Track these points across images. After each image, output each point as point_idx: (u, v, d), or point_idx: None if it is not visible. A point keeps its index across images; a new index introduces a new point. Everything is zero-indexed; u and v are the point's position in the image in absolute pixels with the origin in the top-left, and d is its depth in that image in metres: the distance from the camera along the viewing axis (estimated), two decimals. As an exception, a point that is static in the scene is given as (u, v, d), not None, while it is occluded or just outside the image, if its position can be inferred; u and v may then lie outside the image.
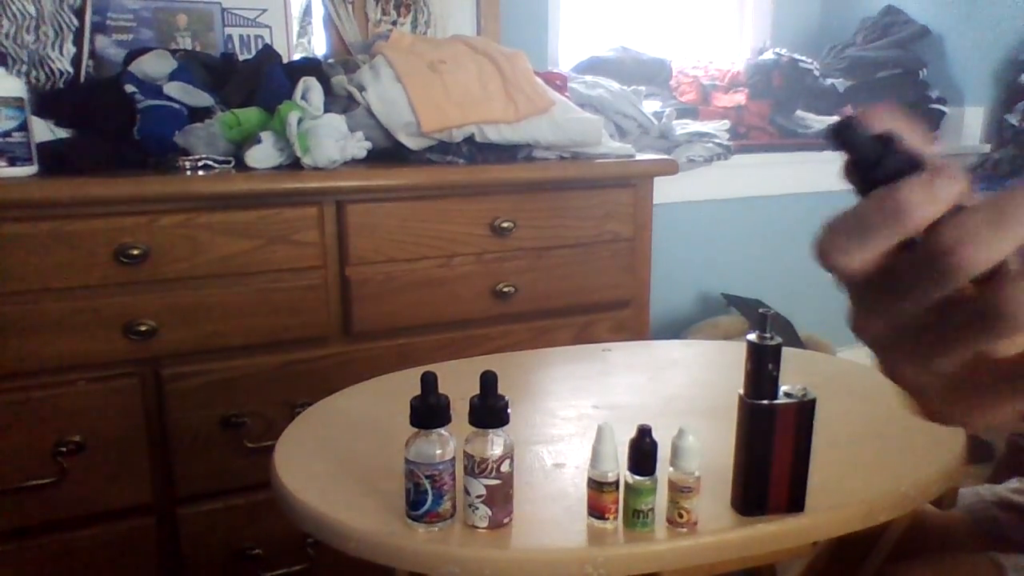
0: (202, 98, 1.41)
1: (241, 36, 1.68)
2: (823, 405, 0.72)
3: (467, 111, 1.43)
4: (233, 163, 1.32)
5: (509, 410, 0.71)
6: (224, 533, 1.34)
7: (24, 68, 1.42)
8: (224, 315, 1.28)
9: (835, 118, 2.18)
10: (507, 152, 1.50)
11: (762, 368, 0.70)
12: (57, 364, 1.19)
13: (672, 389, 1.08)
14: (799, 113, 2.45)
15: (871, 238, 0.29)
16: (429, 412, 0.70)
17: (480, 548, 0.70)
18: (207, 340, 1.28)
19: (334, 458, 0.86)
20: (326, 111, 1.37)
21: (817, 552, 0.88)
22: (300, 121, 1.32)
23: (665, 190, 1.91)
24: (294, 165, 1.35)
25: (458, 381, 0.77)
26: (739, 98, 2.35)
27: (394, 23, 1.83)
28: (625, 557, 0.70)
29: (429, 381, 0.70)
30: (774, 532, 0.73)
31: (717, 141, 2.09)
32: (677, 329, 2.29)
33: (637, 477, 0.70)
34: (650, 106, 2.07)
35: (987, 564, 0.80)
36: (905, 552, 0.87)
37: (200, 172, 1.28)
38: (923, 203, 0.28)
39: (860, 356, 2.49)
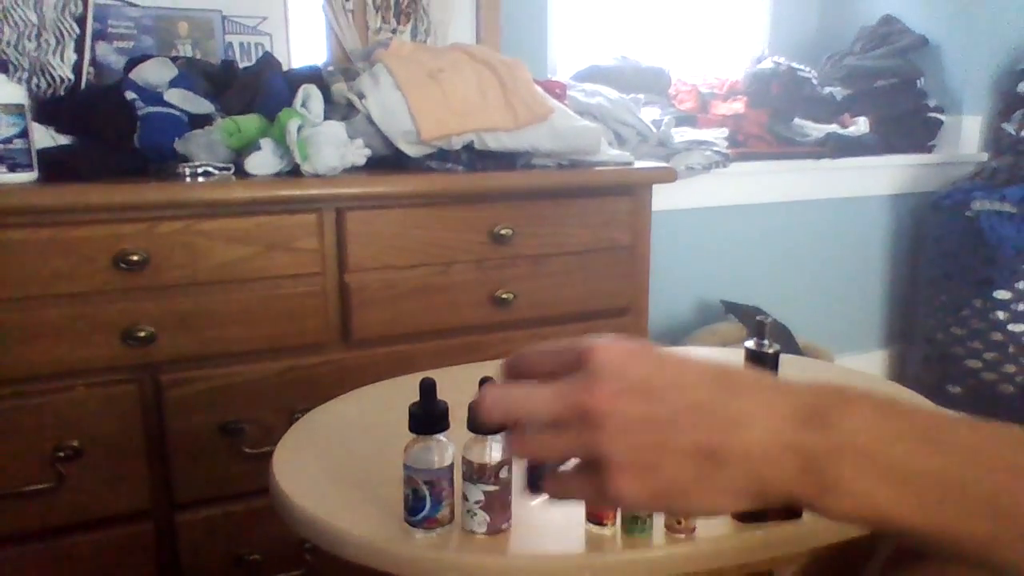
0: (202, 105, 1.42)
1: (241, 44, 1.69)
2: (821, 411, 0.72)
3: (466, 119, 1.44)
4: (233, 170, 1.32)
5: (508, 416, 0.71)
6: (222, 539, 1.34)
7: (25, 75, 1.42)
8: (223, 322, 1.29)
9: (834, 126, 2.15)
10: (506, 160, 1.51)
11: (760, 374, 0.70)
12: (56, 370, 1.19)
13: (670, 396, 1.08)
14: (797, 121, 2.46)
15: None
16: (428, 418, 0.70)
17: (478, 554, 0.70)
18: (206, 346, 1.28)
19: (332, 464, 0.86)
20: (326, 118, 1.37)
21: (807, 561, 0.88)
22: (300, 128, 1.32)
23: (664, 198, 1.92)
24: (294, 172, 1.35)
25: (457, 387, 0.77)
26: (737, 106, 2.35)
27: (394, 31, 1.84)
28: (623, 563, 0.70)
29: (428, 387, 0.70)
30: (772, 538, 0.73)
31: (716, 149, 2.09)
32: (676, 336, 2.29)
33: (635, 483, 0.70)
34: (649, 114, 2.07)
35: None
36: (904, 556, 0.86)
37: (200, 179, 1.28)
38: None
39: (858, 363, 2.49)
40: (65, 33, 1.46)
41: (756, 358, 0.71)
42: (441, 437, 0.71)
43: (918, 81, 2.60)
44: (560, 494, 0.48)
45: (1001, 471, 0.41)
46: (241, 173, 1.32)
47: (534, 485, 0.50)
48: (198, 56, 1.62)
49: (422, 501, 0.70)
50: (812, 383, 0.44)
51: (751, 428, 0.43)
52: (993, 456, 0.42)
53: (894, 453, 0.41)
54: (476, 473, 0.70)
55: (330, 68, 1.66)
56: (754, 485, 0.43)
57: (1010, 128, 2.53)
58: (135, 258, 1.21)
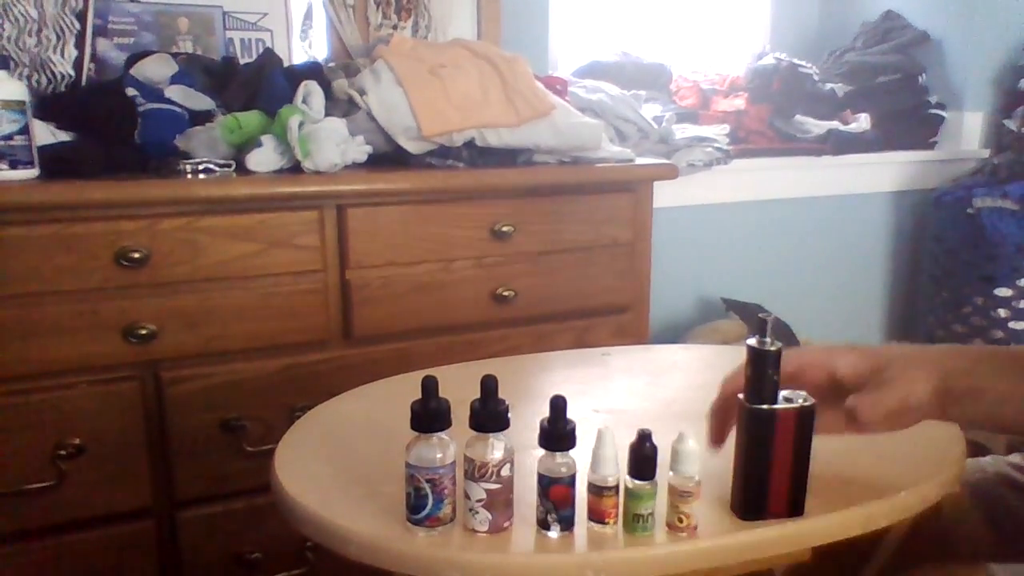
0: (203, 102, 1.42)
1: (242, 40, 1.68)
2: (823, 410, 0.72)
3: (467, 115, 1.44)
4: (234, 167, 1.32)
5: (509, 414, 0.71)
6: (224, 537, 1.34)
7: (26, 71, 1.42)
8: (224, 319, 1.29)
9: (835, 123, 2.16)
10: (507, 156, 1.51)
11: (762, 373, 0.70)
12: (57, 367, 1.19)
13: (672, 393, 1.08)
14: (798, 118, 2.45)
15: None
16: (429, 416, 0.70)
17: (480, 552, 0.70)
18: (207, 344, 1.28)
19: (334, 462, 0.86)
20: (327, 115, 1.37)
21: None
22: (301, 125, 1.32)
23: (665, 194, 1.91)
24: (295, 169, 1.35)
25: (458, 385, 0.77)
26: (739, 103, 2.35)
27: (395, 27, 1.83)
28: (625, 561, 0.70)
29: (430, 385, 0.70)
30: (774, 536, 0.73)
31: (717, 145, 2.09)
32: (677, 333, 2.29)
33: (637, 481, 0.70)
34: (650, 110, 2.07)
35: (982, 574, 0.81)
36: (905, 556, 0.87)
37: (201, 176, 1.28)
38: None
39: (859, 361, 2.42)
40: (66, 29, 1.46)
41: (757, 356, 0.71)
42: (443, 435, 0.70)
43: (919, 77, 2.59)
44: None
45: None
46: (242, 170, 1.32)
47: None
48: (199, 52, 1.62)
49: (424, 499, 0.70)
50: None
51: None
52: None
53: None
54: (478, 471, 0.69)
55: (331, 64, 1.66)
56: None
57: (1012, 124, 2.53)
58: (136, 255, 1.21)
